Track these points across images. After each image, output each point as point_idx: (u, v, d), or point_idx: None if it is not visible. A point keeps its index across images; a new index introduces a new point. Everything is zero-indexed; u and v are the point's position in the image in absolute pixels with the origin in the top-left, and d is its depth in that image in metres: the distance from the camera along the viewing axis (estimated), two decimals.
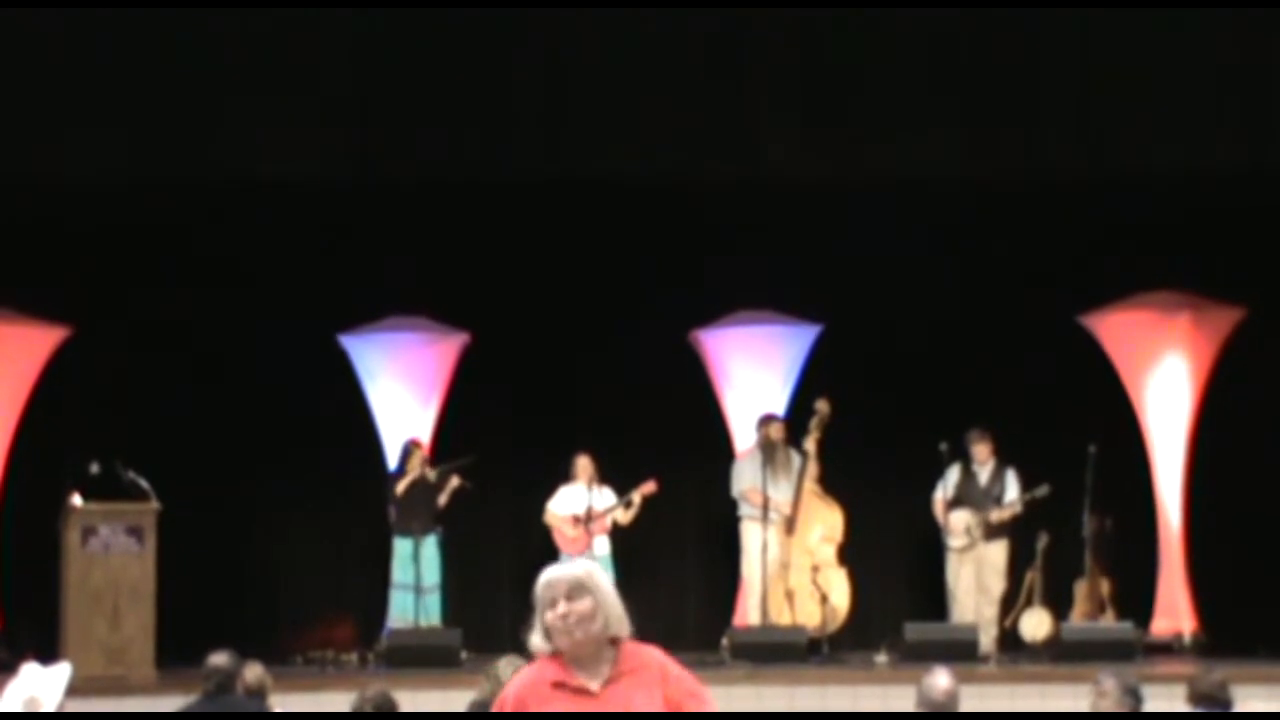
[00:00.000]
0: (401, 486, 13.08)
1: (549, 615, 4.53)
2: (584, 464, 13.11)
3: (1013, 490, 13.04)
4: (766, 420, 13.19)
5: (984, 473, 13.10)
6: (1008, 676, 11.58)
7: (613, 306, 13.83)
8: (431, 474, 13.04)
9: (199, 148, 12.23)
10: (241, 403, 13.57)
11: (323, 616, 13.35)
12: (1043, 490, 12.82)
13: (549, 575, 4.59)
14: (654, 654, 4.63)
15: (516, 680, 4.63)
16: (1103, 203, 13.39)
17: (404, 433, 13.50)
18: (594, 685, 4.52)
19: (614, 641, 4.56)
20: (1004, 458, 13.12)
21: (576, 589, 4.52)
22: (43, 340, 13.18)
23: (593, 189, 13.33)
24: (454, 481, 13.02)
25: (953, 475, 13.01)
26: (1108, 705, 6.53)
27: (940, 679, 6.85)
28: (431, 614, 12.86)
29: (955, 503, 13.00)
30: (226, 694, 7.91)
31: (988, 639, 12.69)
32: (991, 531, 13.00)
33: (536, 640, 4.58)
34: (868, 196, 13.19)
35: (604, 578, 4.61)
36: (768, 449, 13.04)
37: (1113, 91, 12.39)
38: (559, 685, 4.52)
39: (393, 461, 13.49)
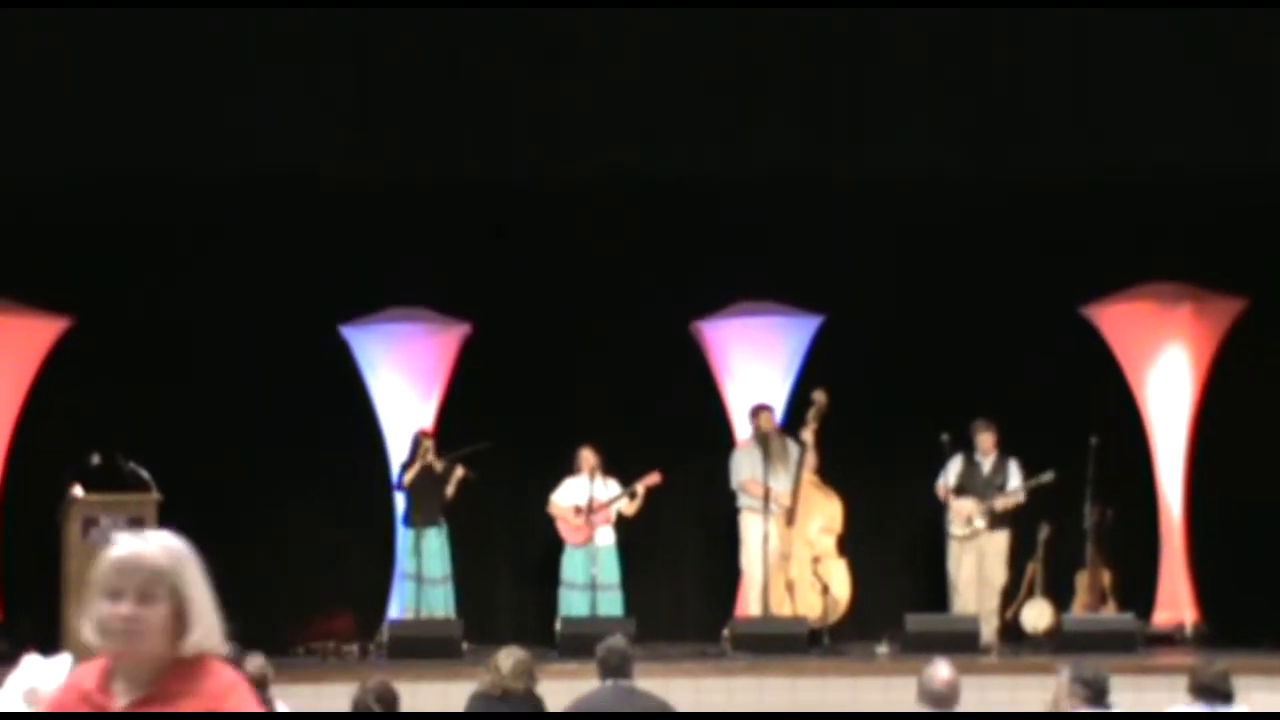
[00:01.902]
0: (409, 476, 13.08)
1: (106, 609, 3.34)
2: (588, 456, 13.09)
3: (1015, 480, 13.04)
4: (757, 411, 13.18)
5: (987, 463, 13.10)
6: (1009, 668, 11.57)
7: (614, 298, 13.81)
8: (438, 464, 13.04)
9: (199, 142, 12.25)
10: (242, 393, 13.55)
11: (324, 608, 13.34)
12: (1047, 476, 12.82)
13: (123, 555, 3.37)
14: (221, 680, 3.47)
15: (69, 679, 3.58)
16: (1104, 195, 13.38)
17: (405, 424, 13.49)
18: (121, 701, 3.41)
19: (182, 658, 3.41)
20: (1006, 449, 13.12)
21: (154, 586, 3.36)
22: (44, 331, 13.18)
23: (594, 181, 13.31)
24: (459, 472, 13.01)
25: (955, 465, 13.01)
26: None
27: (941, 670, 6.86)
28: (436, 606, 12.85)
29: (958, 492, 13.00)
30: None
31: (989, 630, 12.68)
32: (995, 521, 13.00)
33: (88, 633, 3.40)
34: (869, 189, 13.18)
35: (195, 571, 3.45)
36: (763, 440, 13.03)
37: (1112, 91, 12.38)
38: (87, 696, 3.46)
39: (394, 452, 13.49)
